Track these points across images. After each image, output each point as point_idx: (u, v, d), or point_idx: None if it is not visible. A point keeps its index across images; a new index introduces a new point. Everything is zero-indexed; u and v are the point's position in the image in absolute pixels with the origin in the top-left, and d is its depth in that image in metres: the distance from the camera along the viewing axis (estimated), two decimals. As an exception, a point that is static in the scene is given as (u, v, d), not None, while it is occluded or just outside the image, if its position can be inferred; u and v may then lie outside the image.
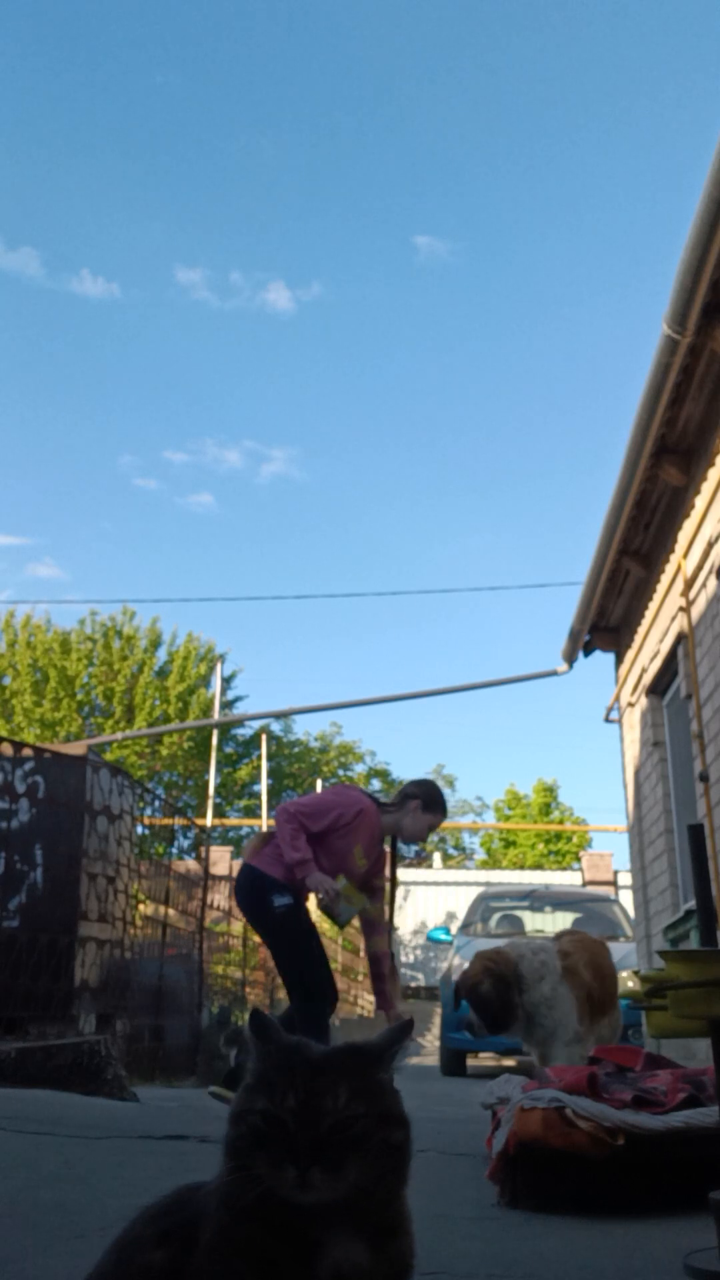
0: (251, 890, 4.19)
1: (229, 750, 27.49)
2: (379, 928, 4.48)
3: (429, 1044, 16.71)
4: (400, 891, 27.58)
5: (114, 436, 45.41)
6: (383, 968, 4.45)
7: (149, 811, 8.95)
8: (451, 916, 20.47)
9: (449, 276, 44.61)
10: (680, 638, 7.35)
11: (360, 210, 43.81)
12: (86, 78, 38.80)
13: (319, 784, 24.05)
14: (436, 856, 35.09)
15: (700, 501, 6.71)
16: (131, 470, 44.61)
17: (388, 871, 4.56)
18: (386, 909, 4.56)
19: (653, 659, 8.44)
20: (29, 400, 43.23)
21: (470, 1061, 10.36)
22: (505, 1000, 4.27)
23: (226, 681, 26.20)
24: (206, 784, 18.22)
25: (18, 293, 40.38)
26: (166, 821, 14.32)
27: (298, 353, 44.69)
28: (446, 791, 35.20)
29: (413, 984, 24.68)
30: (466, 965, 4.55)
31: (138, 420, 45.56)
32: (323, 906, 4.12)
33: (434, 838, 36.75)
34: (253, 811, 25.91)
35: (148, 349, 43.26)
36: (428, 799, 4.40)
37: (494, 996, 4.26)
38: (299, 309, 43.26)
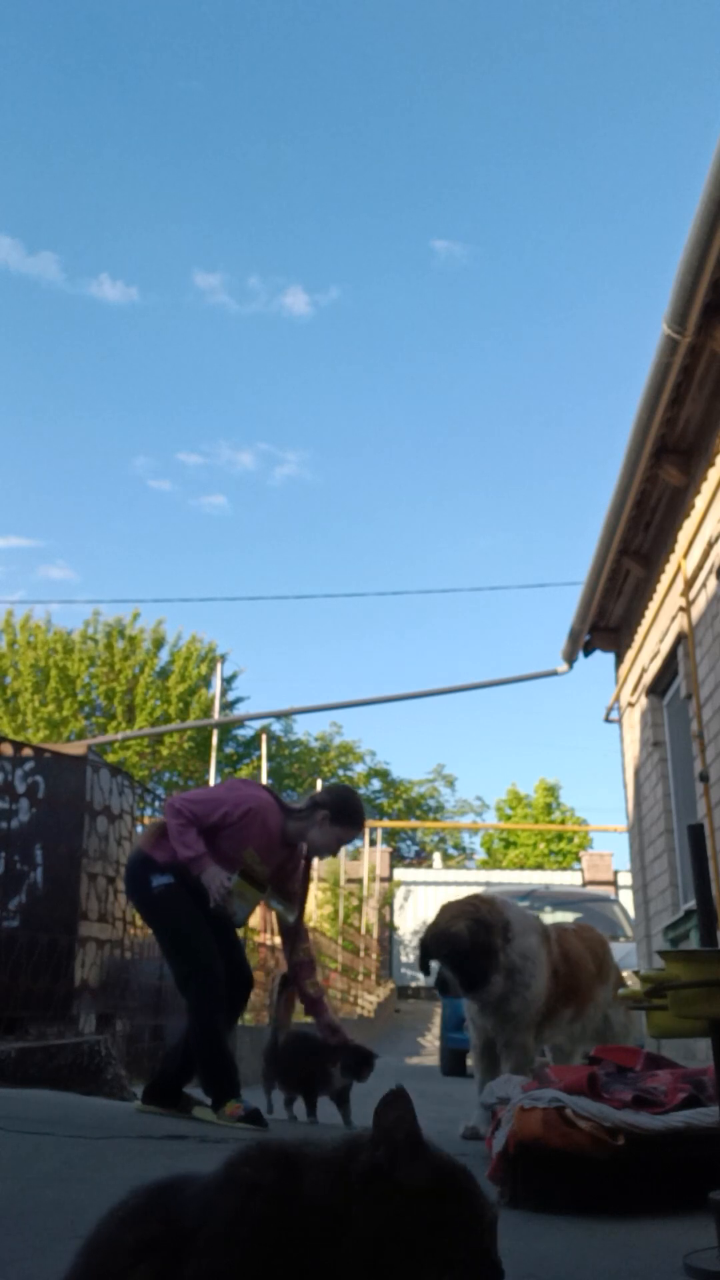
0: (131, 872, 3.89)
1: (229, 750, 27.50)
2: (299, 935, 4.15)
3: (429, 1044, 16.70)
4: (401, 892, 27.60)
5: (129, 439, 45.63)
6: (304, 980, 4.11)
7: (149, 811, 8.94)
8: (452, 917, 20.40)
9: (466, 280, 44.77)
10: (680, 638, 7.35)
11: (379, 215, 44.00)
12: (107, 84, 38.92)
13: (319, 784, 24.06)
14: (436, 856, 35.11)
15: (700, 501, 6.71)
16: (146, 472, 44.79)
17: (310, 876, 4.23)
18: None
19: (653, 659, 8.44)
20: (46, 403, 43.39)
21: (471, 1061, 10.34)
22: (485, 945, 3.60)
23: (227, 682, 26.22)
24: (207, 784, 18.22)
25: (37, 297, 40.50)
26: (167, 821, 14.28)
27: (314, 356, 44.88)
28: (446, 792, 34.64)
29: (413, 984, 24.69)
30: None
31: (153, 422, 45.76)
32: (215, 909, 3.76)
33: (433, 837, 36.75)
34: (253, 811, 25.86)
35: (165, 353, 43.42)
36: (337, 810, 3.96)
37: (468, 940, 3.61)
38: (316, 313, 43.41)
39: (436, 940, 3.71)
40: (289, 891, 4.12)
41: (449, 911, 3.79)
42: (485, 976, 3.63)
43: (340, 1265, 0.84)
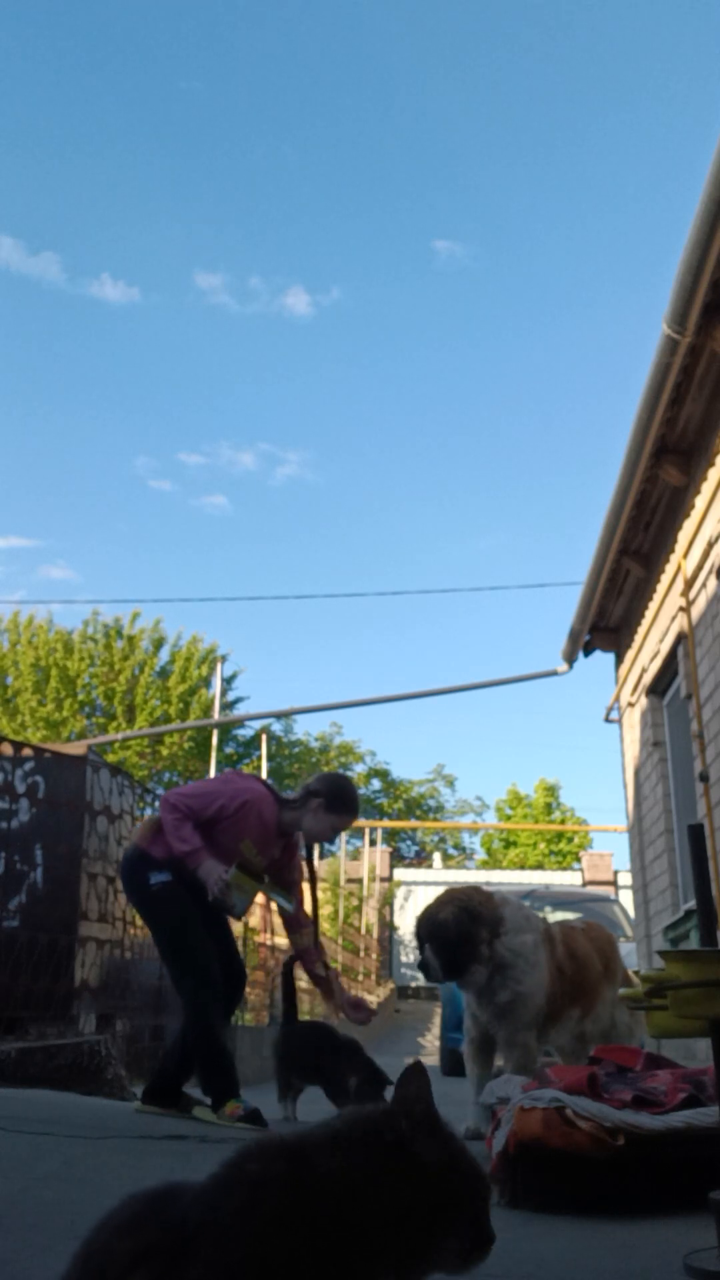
0: (129, 869, 3.92)
1: (229, 750, 27.51)
2: (299, 923, 4.12)
3: (429, 1044, 16.70)
4: (401, 892, 27.55)
5: (130, 439, 45.70)
6: (311, 964, 4.08)
7: (149, 811, 8.95)
8: (452, 917, 20.39)
9: (467, 280, 44.82)
10: (680, 638, 7.35)
11: (380, 215, 44.08)
12: (109, 83, 38.94)
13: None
14: (436, 856, 35.12)
15: (700, 501, 6.71)
16: (147, 472, 44.84)
17: (305, 869, 4.21)
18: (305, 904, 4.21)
19: (653, 659, 8.44)
20: (46, 403, 43.44)
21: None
22: (466, 934, 3.61)
23: (227, 682, 26.24)
24: (207, 784, 18.24)
25: (39, 297, 40.55)
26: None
27: (315, 356, 44.94)
28: (446, 792, 34.56)
29: (413, 984, 24.68)
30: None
31: (154, 422, 45.83)
32: (214, 901, 3.76)
33: (433, 837, 36.75)
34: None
35: (166, 353, 43.49)
36: (331, 798, 3.95)
37: (452, 926, 3.62)
38: (318, 313, 43.47)
39: (425, 924, 3.76)
40: (287, 881, 4.12)
41: (443, 898, 3.82)
42: (465, 964, 3.64)
43: (355, 1239, 0.85)
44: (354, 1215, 0.86)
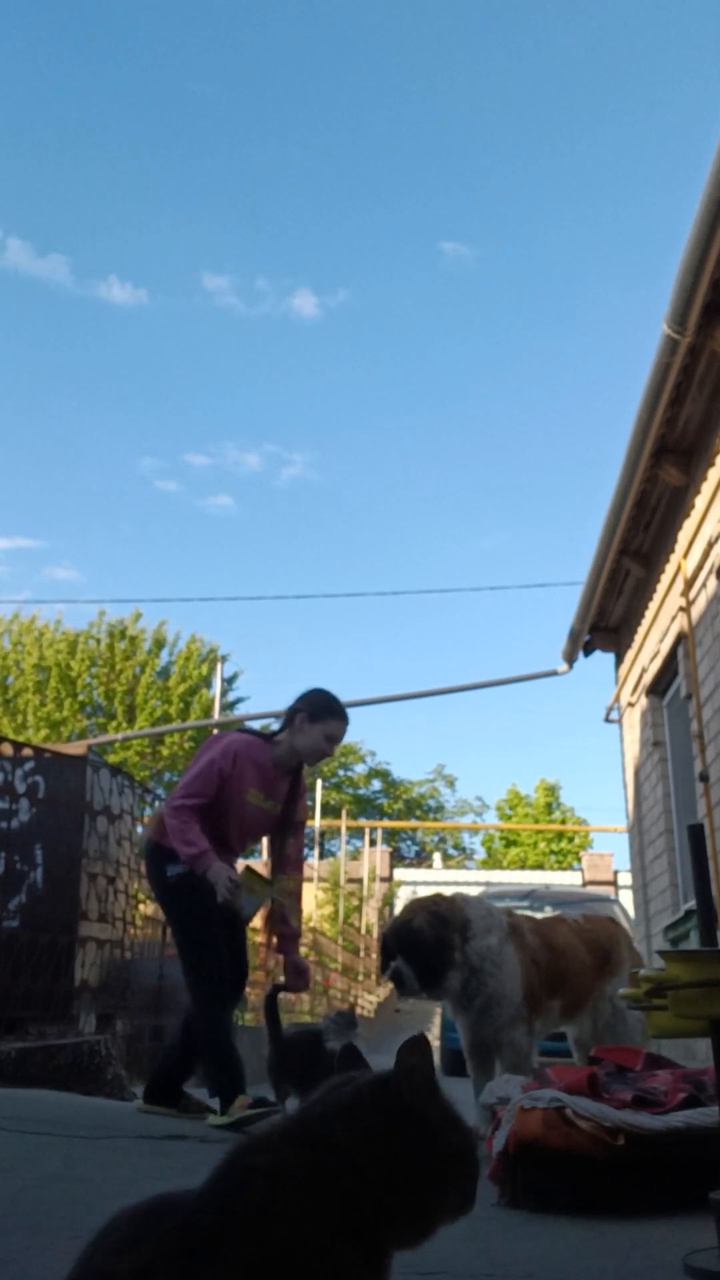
0: (148, 862, 3.94)
1: (229, 750, 27.47)
2: (294, 865, 4.04)
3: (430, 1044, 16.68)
4: (402, 892, 27.54)
5: (136, 440, 45.82)
6: (286, 913, 3.99)
7: (149, 811, 8.94)
8: (452, 916, 20.39)
9: (472, 282, 44.92)
10: (680, 638, 7.35)
11: (387, 217, 44.19)
12: (116, 86, 39.09)
13: (318, 784, 24.02)
14: (436, 856, 35.14)
15: (700, 501, 6.71)
16: (152, 473, 44.95)
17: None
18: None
19: (653, 659, 8.44)
20: (53, 404, 43.51)
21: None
22: (441, 940, 3.55)
23: (228, 682, 26.23)
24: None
25: (46, 299, 40.62)
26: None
27: (323, 358, 45.07)
28: (446, 792, 34.38)
29: (413, 984, 24.67)
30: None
31: (160, 423, 45.97)
32: (223, 904, 3.68)
33: (434, 837, 36.74)
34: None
35: (172, 354, 43.62)
36: (313, 708, 3.88)
37: (428, 933, 3.54)
38: (325, 315, 43.60)
39: (396, 935, 3.64)
40: (294, 821, 4.05)
41: (409, 908, 3.75)
42: (442, 973, 3.58)
43: (372, 1207, 0.87)
44: (371, 1183, 0.88)
